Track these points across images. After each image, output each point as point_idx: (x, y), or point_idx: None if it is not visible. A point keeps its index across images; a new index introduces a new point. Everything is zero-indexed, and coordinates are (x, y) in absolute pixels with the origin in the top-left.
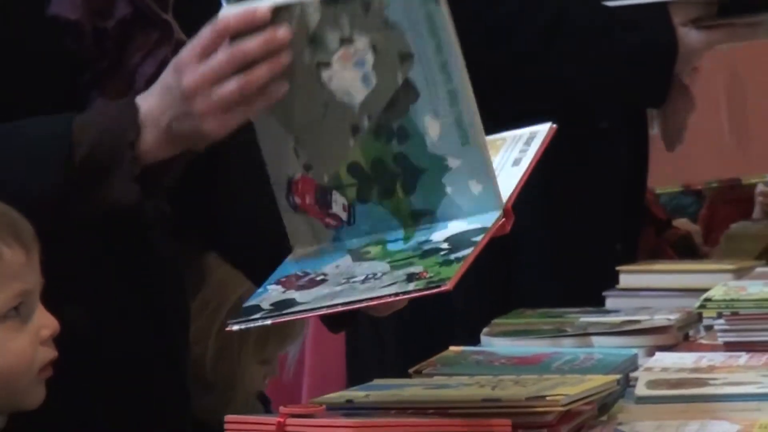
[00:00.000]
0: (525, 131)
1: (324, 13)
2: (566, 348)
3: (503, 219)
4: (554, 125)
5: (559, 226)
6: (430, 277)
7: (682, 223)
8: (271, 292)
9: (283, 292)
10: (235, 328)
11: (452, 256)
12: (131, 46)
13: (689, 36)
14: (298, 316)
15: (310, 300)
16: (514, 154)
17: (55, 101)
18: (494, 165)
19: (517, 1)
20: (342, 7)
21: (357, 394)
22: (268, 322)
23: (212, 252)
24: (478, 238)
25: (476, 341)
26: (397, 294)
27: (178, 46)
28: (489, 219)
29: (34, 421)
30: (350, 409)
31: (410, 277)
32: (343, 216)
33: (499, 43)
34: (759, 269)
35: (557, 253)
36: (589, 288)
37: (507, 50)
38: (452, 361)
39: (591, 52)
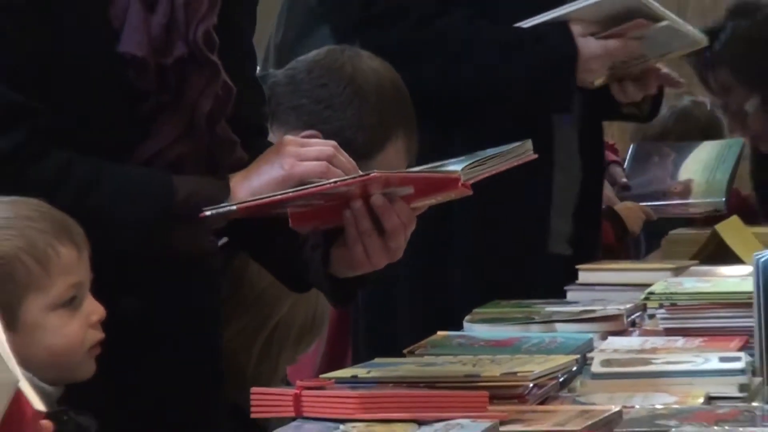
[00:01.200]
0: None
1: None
2: (534, 333)
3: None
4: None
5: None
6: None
7: (628, 210)
8: None
9: None
10: (208, 213)
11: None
12: (188, 84)
13: (588, 45)
14: (265, 201)
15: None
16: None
17: (118, 126)
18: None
19: (435, 30)
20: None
21: (360, 370)
22: (234, 207)
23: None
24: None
25: (459, 327)
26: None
27: (225, 85)
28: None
29: (87, 391)
30: (355, 383)
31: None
32: None
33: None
34: (693, 268)
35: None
36: (551, 282)
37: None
38: (439, 343)
39: (505, 63)
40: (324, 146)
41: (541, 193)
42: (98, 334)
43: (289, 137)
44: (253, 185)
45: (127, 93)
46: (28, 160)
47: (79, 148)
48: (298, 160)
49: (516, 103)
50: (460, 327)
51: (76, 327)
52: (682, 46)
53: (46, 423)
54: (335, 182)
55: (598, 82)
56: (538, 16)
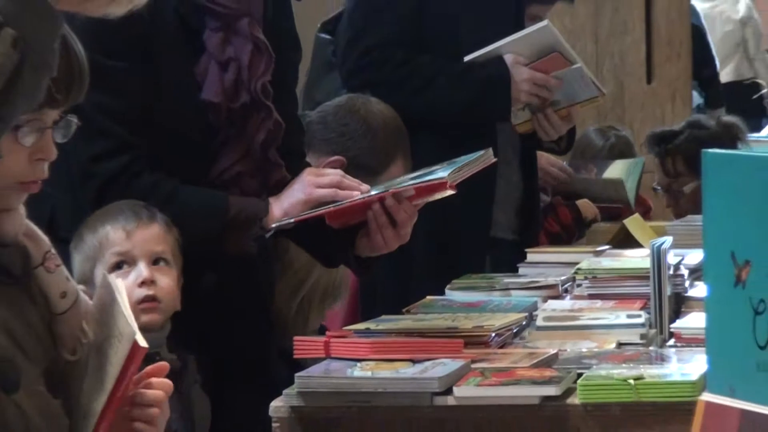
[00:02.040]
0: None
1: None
2: (495, 297)
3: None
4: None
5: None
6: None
7: (585, 204)
8: None
9: None
10: (273, 226)
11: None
12: (249, 121)
13: (519, 70)
14: (313, 215)
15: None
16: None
17: (198, 152)
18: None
19: (407, 71)
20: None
21: (372, 324)
22: (292, 220)
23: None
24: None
25: (442, 293)
26: (403, 185)
27: (276, 122)
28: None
29: (182, 338)
30: (368, 333)
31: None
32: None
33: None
34: (608, 251)
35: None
36: (506, 262)
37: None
38: (428, 305)
39: (458, 90)
40: (333, 175)
41: (486, 194)
42: (145, 292)
43: (310, 169)
44: (283, 205)
45: (205, 128)
46: (128, 179)
47: (169, 168)
48: (315, 187)
49: (468, 116)
50: (435, 294)
51: (129, 284)
52: (588, 95)
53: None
54: (361, 199)
55: (525, 129)
56: (480, 51)
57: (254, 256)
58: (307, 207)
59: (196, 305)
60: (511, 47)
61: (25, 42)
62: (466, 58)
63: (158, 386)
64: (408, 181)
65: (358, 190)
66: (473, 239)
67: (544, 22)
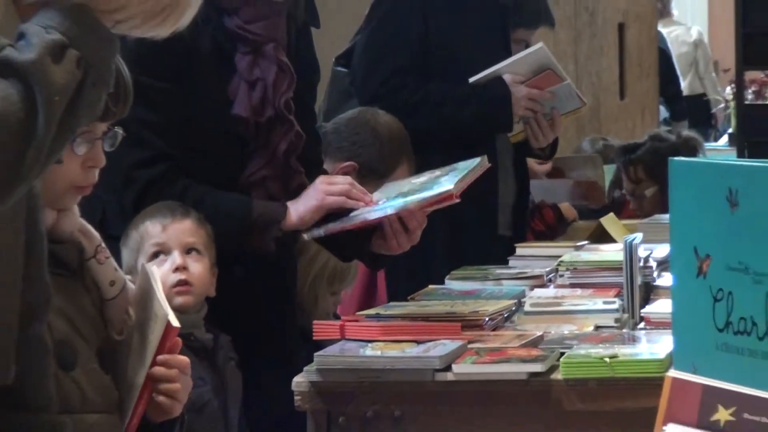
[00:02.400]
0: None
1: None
2: (488, 286)
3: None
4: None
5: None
6: (437, 188)
7: (566, 207)
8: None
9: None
10: (305, 236)
11: (450, 176)
12: (273, 133)
13: (518, 88)
14: (344, 226)
15: (359, 212)
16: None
17: (229, 160)
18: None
19: (419, 96)
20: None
21: (381, 310)
22: (322, 232)
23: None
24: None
25: (443, 282)
26: (420, 201)
27: (297, 134)
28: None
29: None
30: (378, 317)
31: (425, 187)
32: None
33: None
34: (586, 246)
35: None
36: (500, 255)
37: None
38: (430, 292)
39: (465, 106)
40: (343, 185)
41: (491, 198)
42: (178, 276)
43: (323, 177)
44: (299, 209)
45: (235, 139)
46: (163, 185)
47: (203, 173)
48: (327, 195)
49: (475, 131)
50: (443, 283)
51: (166, 269)
52: (573, 107)
53: (178, 339)
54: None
55: (517, 139)
56: (483, 72)
57: (281, 250)
58: (320, 212)
59: (230, 292)
60: (509, 68)
61: (87, 62)
62: (472, 80)
63: (175, 364)
64: (417, 191)
65: (364, 201)
66: (483, 238)
67: (539, 45)
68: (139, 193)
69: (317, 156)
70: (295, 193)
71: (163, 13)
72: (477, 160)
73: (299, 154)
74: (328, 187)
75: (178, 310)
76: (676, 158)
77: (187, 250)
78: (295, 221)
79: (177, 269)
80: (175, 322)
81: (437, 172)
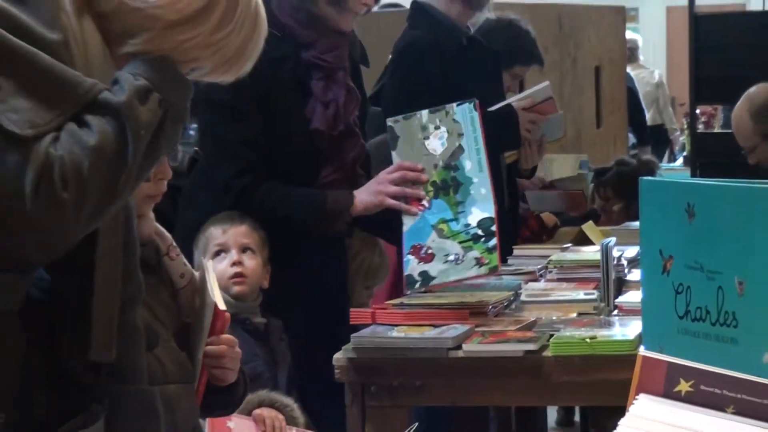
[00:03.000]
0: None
1: (429, 117)
2: (491, 280)
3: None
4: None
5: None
6: (487, 263)
7: (547, 215)
8: (412, 263)
9: (418, 263)
10: (408, 293)
11: (489, 244)
12: (344, 144)
13: (524, 113)
14: (436, 286)
15: (437, 274)
16: (467, 144)
17: (308, 167)
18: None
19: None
20: (435, 114)
21: (404, 300)
22: (422, 289)
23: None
24: (493, 228)
25: None
26: (477, 275)
27: (362, 146)
28: (490, 209)
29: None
30: (402, 306)
31: (478, 262)
32: (427, 204)
33: None
34: (571, 248)
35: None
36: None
37: None
38: (444, 286)
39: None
40: (399, 172)
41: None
42: (234, 270)
43: (383, 175)
44: (364, 200)
45: (313, 149)
46: (252, 188)
47: (286, 179)
48: (387, 197)
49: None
50: None
51: (224, 266)
52: (558, 136)
53: (228, 315)
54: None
55: (510, 160)
56: (501, 103)
57: (340, 251)
58: (380, 209)
59: (300, 283)
60: (519, 100)
61: (168, 103)
62: (490, 109)
63: (222, 341)
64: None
65: (417, 209)
66: None
67: (546, 83)
68: (235, 199)
69: (368, 164)
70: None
71: (228, 63)
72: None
73: (362, 162)
74: (388, 189)
75: (236, 298)
76: (645, 178)
77: (243, 249)
78: (360, 209)
79: (234, 264)
80: (222, 307)
81: (455, 140)
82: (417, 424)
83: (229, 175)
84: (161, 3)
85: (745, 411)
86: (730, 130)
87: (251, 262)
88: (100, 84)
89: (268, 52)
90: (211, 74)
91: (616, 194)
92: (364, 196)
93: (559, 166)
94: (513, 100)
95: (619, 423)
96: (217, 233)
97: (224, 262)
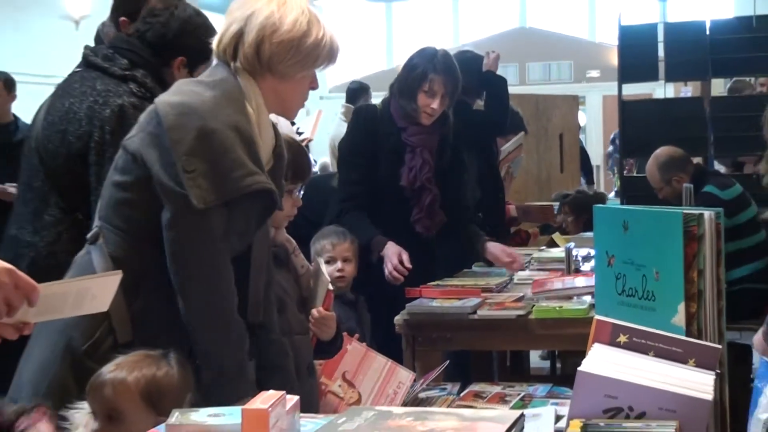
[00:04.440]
0: None
1: None
2: (494, 269)
3: None
4: None
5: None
6: None
7: (532, 229)
8: None
9: None
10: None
11: None
12: (422, 194)
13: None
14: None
15: None
16: None
17: (398, 209)
18: None
19: (478, 116)
20: None
21: (440, 282)
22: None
23: None
24: None
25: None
26: None
27: (435, 195)
28: None
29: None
30: (438, 286)
31: None
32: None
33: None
34: (545, 249)
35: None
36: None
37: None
38: (465, 274)
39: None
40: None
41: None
42: (338, 274)
43: (393, 252)
44: (386, 252)
45: (402, 196)
46: (348, 211)
47: (390, 214)
48: (393, 270)
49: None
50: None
51: (330, 270)
52: (518, 169)
53: (332, 294)
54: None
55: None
56: (503, 149)
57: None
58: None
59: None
60: (509, 146)
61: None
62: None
63: (326, 308)
64: None
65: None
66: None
67: (521, 134)
68: (336, 214)
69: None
70: (438, 223)
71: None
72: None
73: (439, 204)
74: (394, 264)
75: (337, 287)
76: (597, 205)
77: (344, 260)
78: (376, 256)
79: (338, 270)
80: (331, 288)
81: None
82: (448, 362)
83: (340, 199)
84: (289, 28)
85: (660, 354)
86: (644, 175)
87: (349, 268)
88: (258, 183)
89: (382, 128)
90: (325, 65)
91: (572, 211)
92: (389, 251)
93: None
94: (506, 146)
95: (582, 362)
96: (328, 247)
97: (332, 267)
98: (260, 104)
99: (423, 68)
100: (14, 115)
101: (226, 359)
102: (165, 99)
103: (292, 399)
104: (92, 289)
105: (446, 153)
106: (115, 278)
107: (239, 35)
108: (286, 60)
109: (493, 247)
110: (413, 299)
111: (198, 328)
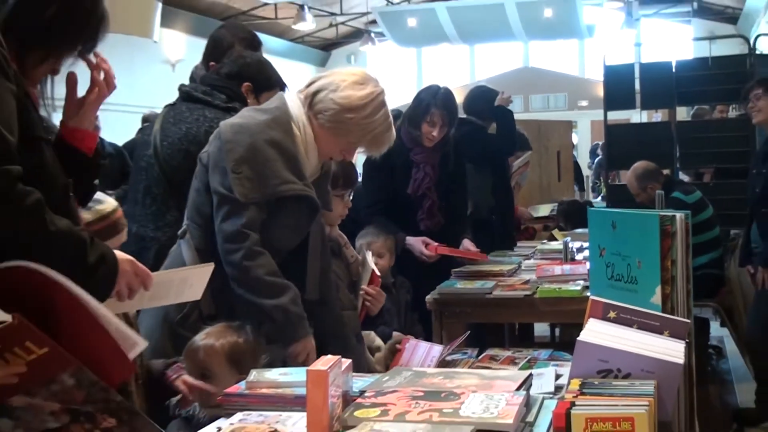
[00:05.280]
0: None
1: None
2: (506, 258)
3: None
4: None
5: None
6: None
7: (538, 226)
8: None
9: None
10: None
11: None
12: (424, 200)
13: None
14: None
15: None
16: None
17: (407, 211)
18: None
19: (492, 138)
20: None
21: (463, 269)
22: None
23: None
24: None
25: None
26: None
27: (434, 201)
28: None
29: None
30: (461, 272)
31: None
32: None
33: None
34: (547, 242)
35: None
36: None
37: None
38: (477, 263)
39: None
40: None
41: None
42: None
43: (419, 245)
44: (410, 241)
45: (409, 202)
46: (373, 213)
47: (397, 214)
48: (421, 254)
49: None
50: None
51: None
52: (525, 181)
53: (379, 278)
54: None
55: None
56: (513, 165)
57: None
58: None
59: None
60: (519, 161)
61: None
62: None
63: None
64: None
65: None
66: (505, 240)
67: (529, 152)
68: (365, 215)
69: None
70: (437, 224)
71: (374, 144)
72: None
73: (437, 207)
74: (421, 250)
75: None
76: (591, 208)
77: (380, 255)
78: (400, 250)
79: (376, 264)
80: (377, 272)
81: None
82: (469, 332)
83: (365, 205)
84: (343, 94)
85: (641, 327)
86: (625, 183)
87: (382, 261)
88: (292, 189)
89: (395, 149)
90: (365, 150)
91: (564, 217)
92: (412, 241)
93: (543, 210)
94: (516, 162)
95: (579, 333)
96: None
97: (373, 260)
98: (308, 130)
99: (427, 102)
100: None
101: (270, 309)
102: (228, 121)
103: (347, 362)
104: (190, 279)
105: (447, 167)
106: (208, 269)
107: (316, 84)
108: (327, 116)
109: (467, 243)
110: (438, 281)
111: (241, 287)
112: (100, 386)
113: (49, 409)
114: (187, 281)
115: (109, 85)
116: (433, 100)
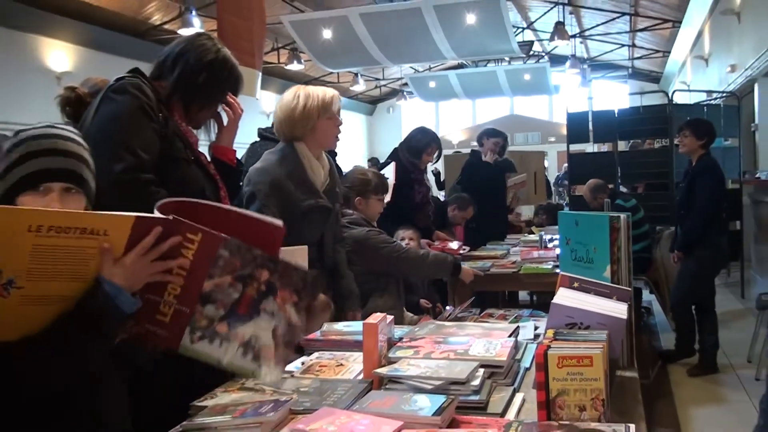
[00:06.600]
0: None
1: None
2: (498, 246)
3: None
4: None
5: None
6: None
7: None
8: None
9: None
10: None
11: None
12: (424, 206)
13: (510, 185)
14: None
15: None
16: None
17: (413, 215)
18: None
19: (487, 170)
20: None
21: (470, 252)
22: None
23: None
24: None
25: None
26: None
27: (431, 206)
28: None
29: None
30: (463, 255)
31: None
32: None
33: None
34: (528, 236)
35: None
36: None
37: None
38: (482, 248)
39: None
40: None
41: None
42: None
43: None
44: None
45: (416, 208)
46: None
47: (400, 218)
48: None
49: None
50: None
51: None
52: (523, 197)
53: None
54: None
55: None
56: (509, 180)
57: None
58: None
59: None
60: (514, 179)
61: (329, 200)
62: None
63: None
64: None
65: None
66: (498, 232)
67: (524, 174)
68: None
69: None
70: (428, 219)
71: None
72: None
73: (431, 211)
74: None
75: None
76: (561, 211)
77: (411, 239)
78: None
79: (406, 244)
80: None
81: None
82: (474, 297)
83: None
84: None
85: (597, 293)
86: (581, 194)
87: (414, 244)
88: (307, 204)
89: (409, 170)
90: (326, 114)
91: (546, 214)
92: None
93: (527, 209)
94: (512, 180)
95: (553, 298)
96: (402, 235)
97: (403, 243)
98: (309, 156)
99: (427, 140)
100: None
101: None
102: (254, 166)
103: (390, 317)
104: (297, 257)
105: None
106: (305, 249)
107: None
108: (298, 126)
109: (437, 235)
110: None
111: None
112: (244, 248)
113: (227, 283)
114: (294, 258)
115: (235, 113)
116: (431, 140)
